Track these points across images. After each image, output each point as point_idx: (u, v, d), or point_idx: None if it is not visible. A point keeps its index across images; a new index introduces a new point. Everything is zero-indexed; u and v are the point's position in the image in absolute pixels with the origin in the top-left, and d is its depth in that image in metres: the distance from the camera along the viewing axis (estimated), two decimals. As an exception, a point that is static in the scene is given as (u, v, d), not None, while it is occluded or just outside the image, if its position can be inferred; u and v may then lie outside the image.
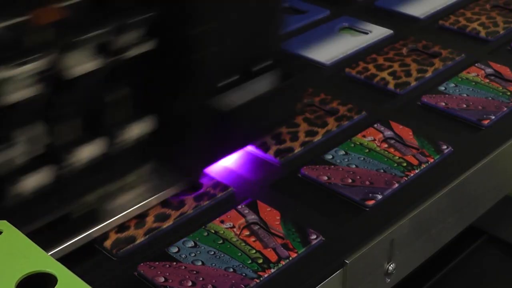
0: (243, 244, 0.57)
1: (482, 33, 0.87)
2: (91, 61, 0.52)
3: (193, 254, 0.56)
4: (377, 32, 0.87)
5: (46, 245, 0.47)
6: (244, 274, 0.54)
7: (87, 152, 0.55)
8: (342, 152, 0.67)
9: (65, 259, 0.53)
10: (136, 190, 0.60)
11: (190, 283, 0.53)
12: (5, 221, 0.46)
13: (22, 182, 0.52)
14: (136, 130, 0.58)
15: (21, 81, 0.49)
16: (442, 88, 0.76)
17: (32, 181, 0.52)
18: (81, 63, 0.52)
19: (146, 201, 0.59)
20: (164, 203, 0.61)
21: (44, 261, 0.43)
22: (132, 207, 0.59)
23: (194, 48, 0.57)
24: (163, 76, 0.59)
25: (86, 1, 0.51)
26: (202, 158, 0.63)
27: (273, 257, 0.55)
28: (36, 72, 0.49)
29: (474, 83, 0.77)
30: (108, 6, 0.53)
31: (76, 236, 0.56)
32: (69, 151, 0.54)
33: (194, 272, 0.54)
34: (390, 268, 0.60)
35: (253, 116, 0.63)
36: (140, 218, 0.59)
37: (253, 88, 0.62)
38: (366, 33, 0.87)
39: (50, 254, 0.47)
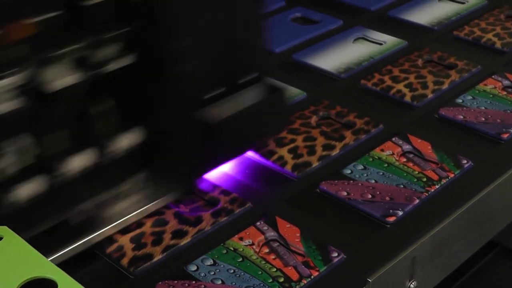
0: (263, 262, 0.56)
1: (498, 44, 0.86)
2: (70, 74, 0.53)
3: (212, 273, 0.55)
4: (391, 43, 0.86)
5: (45, 251, 0.47)
6: (265, 294, 0.53)
7: (78, 162, 0.56)
8: (361, 167, 0.66)
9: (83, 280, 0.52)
10: (131, 198, 0.60)
11: (210, 303, 0.52)
12: (5, 227, 0.45)
13: (15, 191, 0.53)
14: (126, 140, 0.58)
15: (0, 94, 0.50)
16: (459, 100, 0.75)
17: (26, 190, 0.53)
18: (60, 77, 0.52)
19: (143, 208, 0.60)
20: (182, 219, 0.60)
21: (44, 266, 0.42)
22: (129, 214, 0.59)
23: (176, 61, 0.57)
24: (148, 88, 0.59)
25: (61, 16, 0.52)
26: (194, 168, 0.63)
27: (294, 276, 0.54)
28: (14, 87, 0.50)
29: (491, 96, 0.76)
30: (84, 21, 0.53)
31: (75, 242, 0.56)
32: (60, 161, 0.55)
33: (214, 291, 0.53)
34: (412, 286, 0.59)
35: (241, 128, 0.63)
36: (157, 235, 0.58)
37: (239, 101, 0.62)
38: (380, 44, 0.86)
39: (50, 260, 0.47)
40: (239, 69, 0.63)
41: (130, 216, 0.59)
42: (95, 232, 0.58)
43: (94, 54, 0.54)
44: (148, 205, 0.60)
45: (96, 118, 0.56)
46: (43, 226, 0.56)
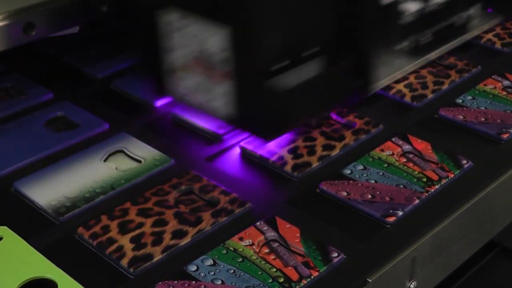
0: (263, 262, 0.56)
1: (498, 44, 0.86)
2: None
3: (212, 273, 0.55)
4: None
5: (443, 41, 0.80)
6: (265, 294, 0.53)
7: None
8: (361, 167, 0.66)
9: (82, 280, 0.52)
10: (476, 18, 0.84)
11: (210, 303, 0.52)
12: (5, 227, 0.45)
13: None
14: None
15: None
16: (459, 100, 0.75)
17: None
18: None
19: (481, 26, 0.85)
20: (182, 220, 0.60)
21: (44, 267, 0.42)
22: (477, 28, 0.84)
23: None
24: None
25: None
26: None
27: (294, 276, 0.54)
28: None
29: (491, 96, 0.76)
30: None
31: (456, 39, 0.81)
32: None
33: (214, 291, 0.53)
34: (412, 286, 0.59)
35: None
36: (157, 235, 0.58)
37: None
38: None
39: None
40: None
41: (475, 30, 0.85)
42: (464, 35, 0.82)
43: None
44: (484, 25, 0.87)
45: None
46: (442, 24, 0.79)
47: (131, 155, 0.68)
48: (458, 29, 0.83)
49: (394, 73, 0.76)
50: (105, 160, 0.68)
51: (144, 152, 0.69)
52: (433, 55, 0.81)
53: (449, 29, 0.81)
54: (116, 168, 0.67)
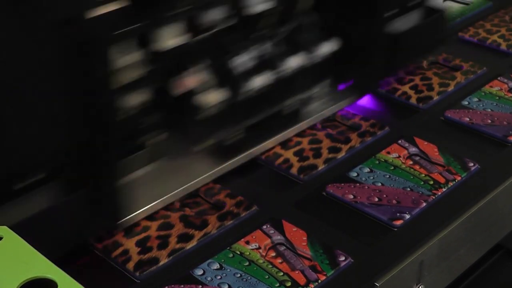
0: (270, 266, 0.55)
1: (503, 46, 0.85)
2: None
3: (219, 277, 0.54)
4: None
5: (261, 138, 0.65)
6: (272, 298, 0.52)
7: (294, 61, 0.65)
8: (367, 170, 0.65)
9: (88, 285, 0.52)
10: (320, 99, 0.71)
11: (217, 308, 0.52)
12: (5, 227, 0.45)
13: (252, 81, 0.62)
14: (325, 48, 0.68)
15: None
16: (465, 102, 0.75)
17: (258, 82, 0.62)
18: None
19: (328, 108, 0.71)
20: (187, 223, 0.59)
21: (44, 267, 0.42)
22: (319, 112, 0.70)
23: None
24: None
25: None
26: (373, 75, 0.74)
27: (301, 280, 0.54)
28: None
29: (497, 98, 0.75)
30: None
31: (285, 130, 0.68)
32: (282, 60, 0.64)
33: (221, 295, 0.53)
34: (419, 290, 0.58)
35: (412, 41, 0.75)
36: (163, 238, 0.58)
37: (409, 20, 0.74)
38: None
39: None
40: None
41: (318, 115, 0.70)
42: (297, 124, 0.68)
43: None
44: (331, 107, 0.71)
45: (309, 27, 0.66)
46: (263, 114, 0.65)
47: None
48: (288, 118, 0.68)
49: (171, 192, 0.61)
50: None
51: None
52: (247, 155, 0.66)
53: (274, 119, 0.67)
54: None
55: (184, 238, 0.58)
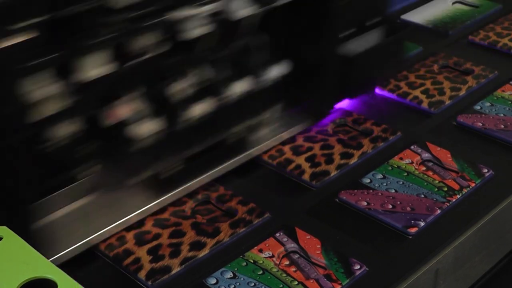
0: (284, 275, 0.54)
1: (514, 49, 0.85)
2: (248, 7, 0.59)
3: (232, 286, 0.53)
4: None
5: (204, 167, 0.61)
6: (287, 308, 0.52)
7: (239, 87, 0.62)
8: (380, 176, 0.64)
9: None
10: (270, 125, 0.67)
11: (231, 318, 0.51)
12: (5, 227, 0.44)
13: (191, 109, 0.58)
14: (275, 71, 0.64)
15: (198, 20, 0.56)
16: (477, 107, 0.74)
17: (198, 109, 0.59)
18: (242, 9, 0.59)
19: (280, 135, 0.67)
20: (199, 230, 0.59)
21: (44, 267, 0.42)
22: (268, 140, 0.66)
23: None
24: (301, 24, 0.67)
25: None
26: (326, 99, 0.71)
27: (316, 289, 0.53)
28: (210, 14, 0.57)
29: (510, 102, 0.75)
30: None
31: (229, 160, 0.64)
32: (226, 86, 0.61)
33: (235, 305, 0.52)
34: (435, 298, 0.58)
35: (368, 64, 0.72)
36: (175, 246, 0.57)
37: (367, 40, 0.71)
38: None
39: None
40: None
41: (269, 142, 0.66)
42: (245, 152, 0.65)
43: None
44: (283, 133, 0.67)
45: (256, 50, 0.63)
46: (205, 144, 0.61)
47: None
48: (233, 146, 0.65)
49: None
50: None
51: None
52: (187, 188, 0.62)
53: (218, 149, 0.63)
54: None
55: (197, 246, 0.57)
